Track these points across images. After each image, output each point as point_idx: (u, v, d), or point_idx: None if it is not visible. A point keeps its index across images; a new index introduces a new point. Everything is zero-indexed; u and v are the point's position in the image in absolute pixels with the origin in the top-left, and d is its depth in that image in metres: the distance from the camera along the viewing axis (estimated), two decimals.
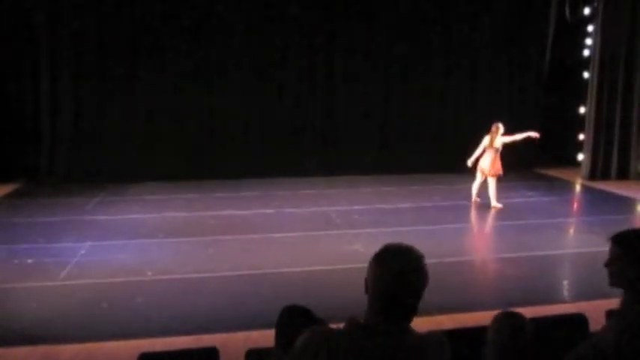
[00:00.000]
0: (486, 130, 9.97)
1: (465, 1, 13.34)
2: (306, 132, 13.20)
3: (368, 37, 13.12)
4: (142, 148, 12.22)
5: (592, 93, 12.71)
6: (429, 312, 4.87)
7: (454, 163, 11.88)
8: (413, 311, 1.77)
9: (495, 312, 2.77)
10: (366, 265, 1.90)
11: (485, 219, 9.50)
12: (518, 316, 2.94)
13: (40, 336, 5.01)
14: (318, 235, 8.41)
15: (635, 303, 2.16)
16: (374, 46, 13.17)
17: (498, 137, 9.75)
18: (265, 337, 3.74)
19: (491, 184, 9.81)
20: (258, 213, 9.56)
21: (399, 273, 1.74)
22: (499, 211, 9.77)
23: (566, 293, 6.44)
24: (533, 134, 9.92)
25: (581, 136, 13.30)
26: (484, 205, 10.01)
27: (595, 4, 12.77)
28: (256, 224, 8.84)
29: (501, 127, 9.79)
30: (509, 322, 2.90)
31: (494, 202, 9.85)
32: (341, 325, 1.81)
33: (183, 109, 12.44)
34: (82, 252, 7.36)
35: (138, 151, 12.21)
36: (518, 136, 9.84)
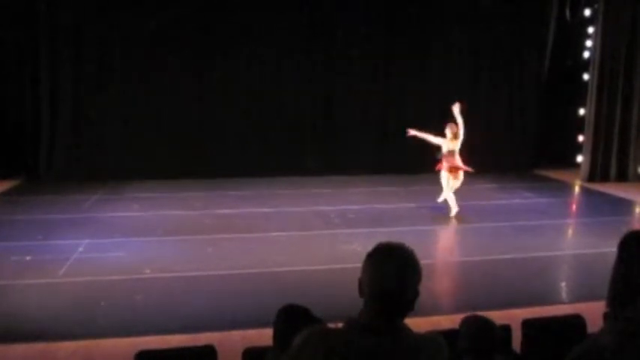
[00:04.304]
0: (486, 130, 9.99)
1: (465, 2, 13.33)
2: (304, 131, 13.20)
3: (368, 37, 13.11)
4: (141, 146, 12.19)
5: (592, 95, 12.69)
6: (426, 313, 4.86)
7: None
8: (410, 308, 1.77)
9: (498, 312, 2.78)
10: None
11: (483, 220, 9.49)
12: (484, 320, 2.95)
13: (37, 333, 5.01)
14: (317, 234, 8.41)
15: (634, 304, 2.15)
16: (373, 46, 13.17)
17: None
18: (263, 336, 3.74)
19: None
20: (257, 212, 9.56)
21: (391, 271, 1.75)
22: (496, 212, 9.81)
23: (564, 295, 6.43)
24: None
25: (581, 138, 13.29)
26: (478, 207, 10.02)
27: (595, 6, 12.78)
28: (255, 223, 8.84)
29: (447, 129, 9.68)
30: (475, 325, 2.91)
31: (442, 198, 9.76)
32: (339, 325, 1.81)
33: (182, 108, 12.43)
34: (81, 249, 7.36)
35: (136, 149, 12.18)
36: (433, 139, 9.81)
